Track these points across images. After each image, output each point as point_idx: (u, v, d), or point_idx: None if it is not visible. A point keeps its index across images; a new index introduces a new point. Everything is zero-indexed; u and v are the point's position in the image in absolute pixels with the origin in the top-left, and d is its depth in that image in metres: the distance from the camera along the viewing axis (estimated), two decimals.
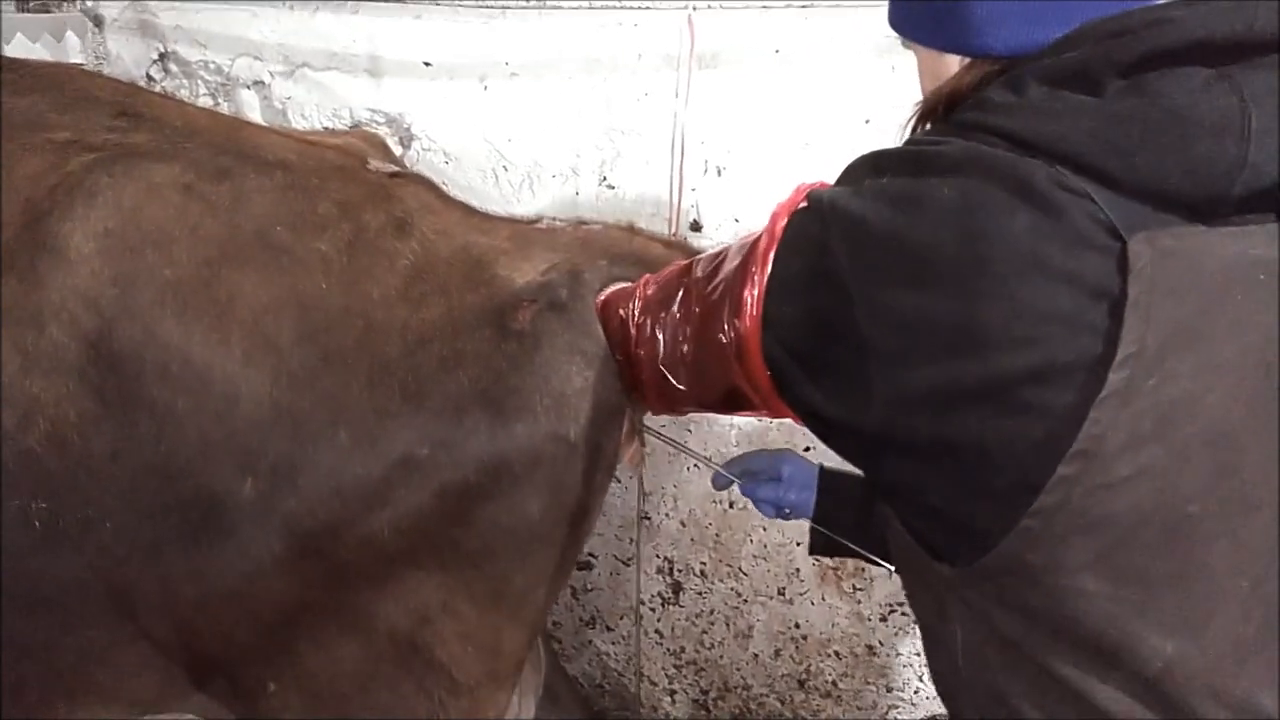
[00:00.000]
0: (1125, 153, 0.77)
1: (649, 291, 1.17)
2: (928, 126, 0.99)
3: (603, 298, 1.24)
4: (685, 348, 1.10)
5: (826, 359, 0.92)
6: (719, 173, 2.11)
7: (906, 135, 1.03)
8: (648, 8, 2.01)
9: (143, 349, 1.13)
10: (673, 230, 2.14)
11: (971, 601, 0.88)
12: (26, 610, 1.17)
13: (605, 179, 2.18)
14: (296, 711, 1.26)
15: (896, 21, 1.04)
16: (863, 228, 0.87)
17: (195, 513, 1.13)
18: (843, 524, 1.41)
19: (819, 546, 1.47)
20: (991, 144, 0.84)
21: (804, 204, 0.97)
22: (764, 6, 1.96)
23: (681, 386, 1.14)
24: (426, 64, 2.18)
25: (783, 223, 0.97)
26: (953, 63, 0.96)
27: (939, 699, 1.04)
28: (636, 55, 2.05)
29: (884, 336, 0.84)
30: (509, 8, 2.10)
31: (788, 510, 1.44)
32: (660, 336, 1.13)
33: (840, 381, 0.91)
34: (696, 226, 2.16)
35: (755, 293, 0.97)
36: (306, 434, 1.14)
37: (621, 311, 1.19)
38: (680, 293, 1.12)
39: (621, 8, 2.03)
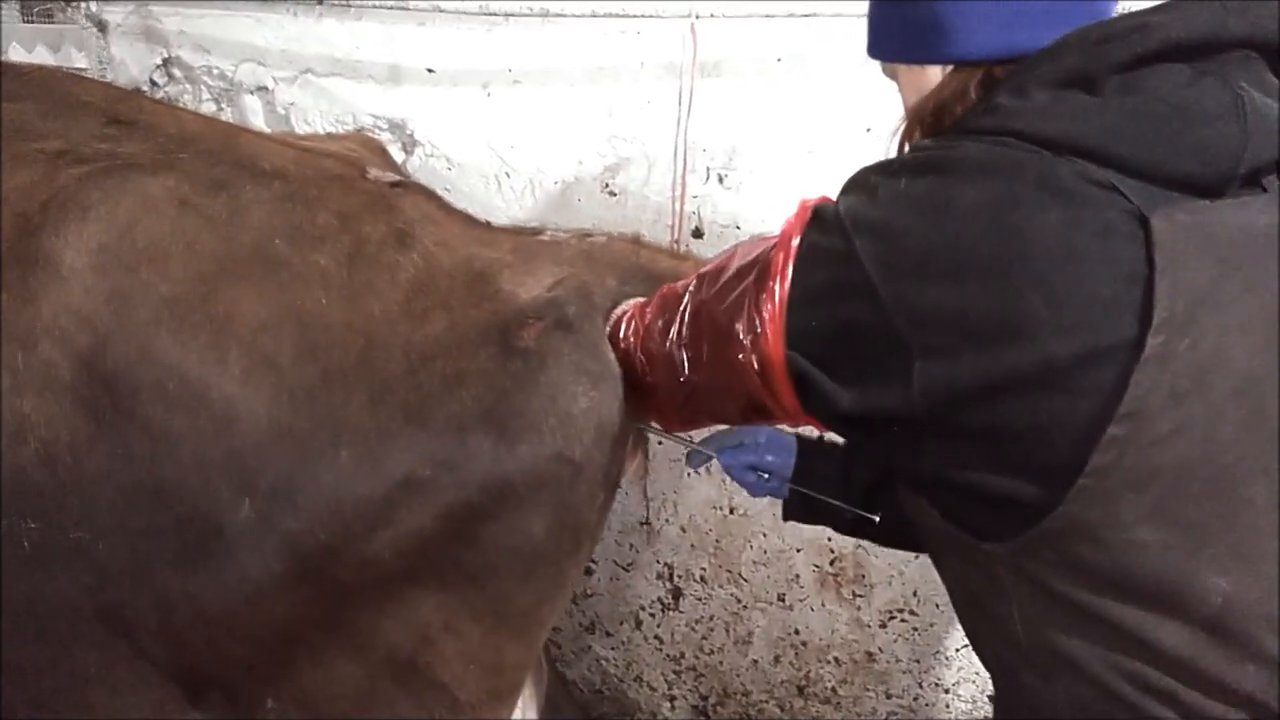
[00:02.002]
0: (1141, 143, 0.85)
1: (648, 319, 1.17)
2: (917, 138, 1.06)
3: (609, 324, 1.23)
4: (700, 370, 1.11)
5: (858, 364, 0.95)
6: (721, 180, 2.11)
7: (895, 148, 1.09)
8: (651, 16, 2.01)
9: (138, 367, 1.11)
10: (675, 238, 2.13)
11: (1028, 571, 0.92)
12: (15, 631, 1.15)
13: (608, 186, 2.17)
14: None
15: (876, 48, 1.11)
16: (890, 234, 0.91)
17: (192, 534, 1.11)
18: (822, 482, 1.42)
19: (795, 511, 1.47)
20: (1010, 145, 0.90)
21: (813, 218, 0.99)
22: (766, 15, 1.95)
23: (699, 407, 1.16)
24: (430, 71, 2.17)
25: (796, 239, 0.99)
26: (934, 74, 1.03)
27: (985, 671, 1.09)
28: (639, 63, 2.05)
29: (923, 335, 0.88)
30: (512, 15, 2.09)
31: (767, 474, 1.44)
32: (671, 362, 1.13)
33: (875, 383, 0.93)
34: (698, 233, 2.15)
35: (774, 311, 0.98)
36: (307, 454, 1.12)
37: (623, 343, 1.19)
38: (684, 315, 1.12)
39: (625, 16, 2.02)
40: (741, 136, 2.06)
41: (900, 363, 0.90)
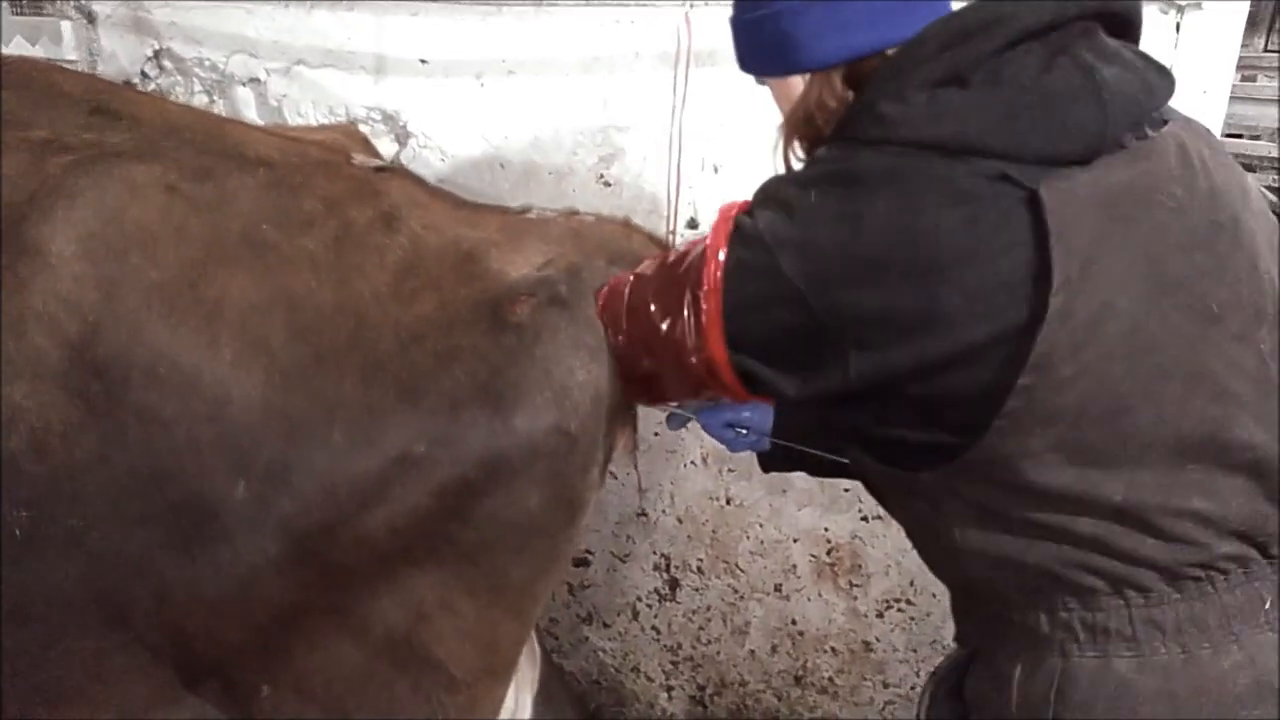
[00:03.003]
0: (1018, 135, 0.96)
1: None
2: (795, 144, 1.17)
3: None
4: (645, 365, 1.18)
5: (798, 358, 1.06)
6: (716, 170, 2.10)
7: (779, 155, 1.19)
8: (645, 5, 2.00)
9: (129, 353, 1.11)
10: (670, 228, 2.13)
11: (960, 490, 1.06)
12: (9, 620, 1.15)
13: (602, 176, 2.17)
14: (291, 713, 1.25)
15: (742, 63, 1.19)
16: (810, 249, 1.00)
17: (187, 518, 1.11)
18: (799, 431, 1.46)
19: (777, 462, 1.52)
20: (904, 154, 0.98)
21: (735, 232, 1.07)
22: None
23: (650, 394, 1.24)
24: (423, 61, 2.17)
25: (723, 254, 1.07)
26: (798, 83, 1.12)
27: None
28: (634, 53, 2.04)
29: (855, 331, 1.00)
30: (506, 5, 2.08)
31: (746, 429, 1.47)
32: (617, 352, 1.20)
33: (815, 371, 1.05)
34: (694, 224, 2.15)
35: (711, 319, 1.07)
36: (300, 434, 1.12)
37: None
38: (625, 316, 1.19)
39: (619, 5, 2.01)
40: (737, 126, 2.05)
41: (836, 352, 1.01)
